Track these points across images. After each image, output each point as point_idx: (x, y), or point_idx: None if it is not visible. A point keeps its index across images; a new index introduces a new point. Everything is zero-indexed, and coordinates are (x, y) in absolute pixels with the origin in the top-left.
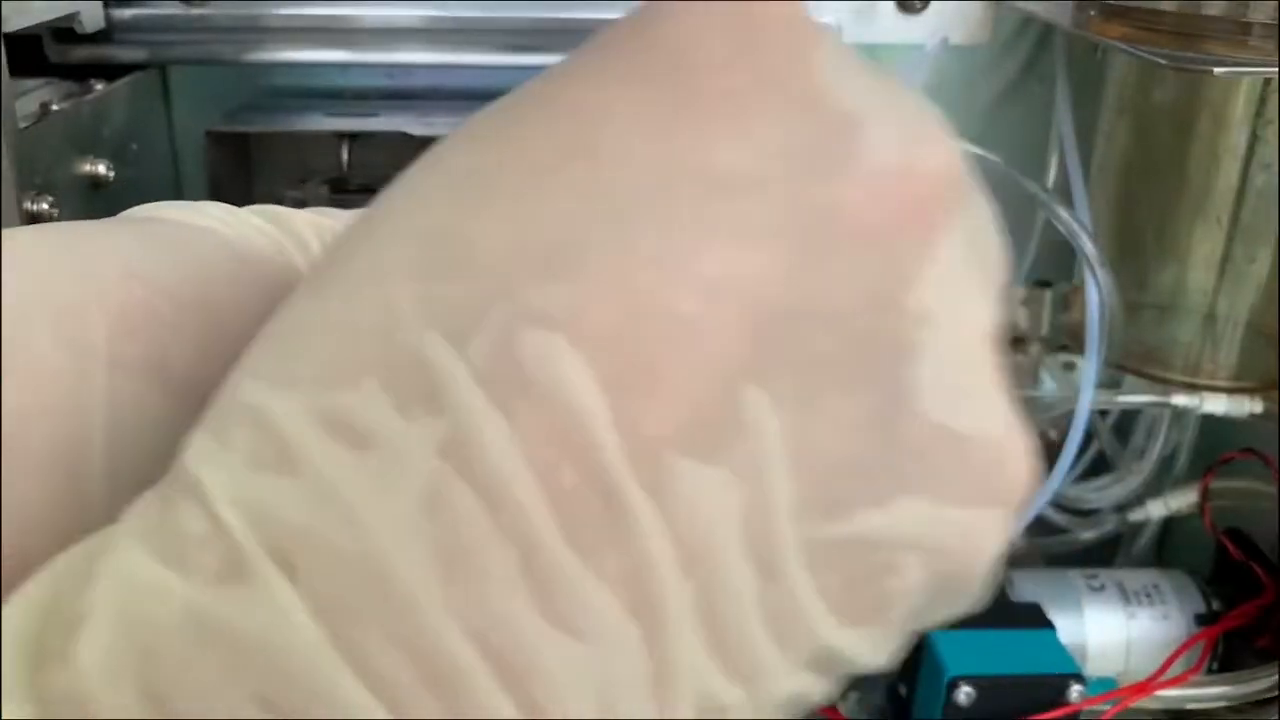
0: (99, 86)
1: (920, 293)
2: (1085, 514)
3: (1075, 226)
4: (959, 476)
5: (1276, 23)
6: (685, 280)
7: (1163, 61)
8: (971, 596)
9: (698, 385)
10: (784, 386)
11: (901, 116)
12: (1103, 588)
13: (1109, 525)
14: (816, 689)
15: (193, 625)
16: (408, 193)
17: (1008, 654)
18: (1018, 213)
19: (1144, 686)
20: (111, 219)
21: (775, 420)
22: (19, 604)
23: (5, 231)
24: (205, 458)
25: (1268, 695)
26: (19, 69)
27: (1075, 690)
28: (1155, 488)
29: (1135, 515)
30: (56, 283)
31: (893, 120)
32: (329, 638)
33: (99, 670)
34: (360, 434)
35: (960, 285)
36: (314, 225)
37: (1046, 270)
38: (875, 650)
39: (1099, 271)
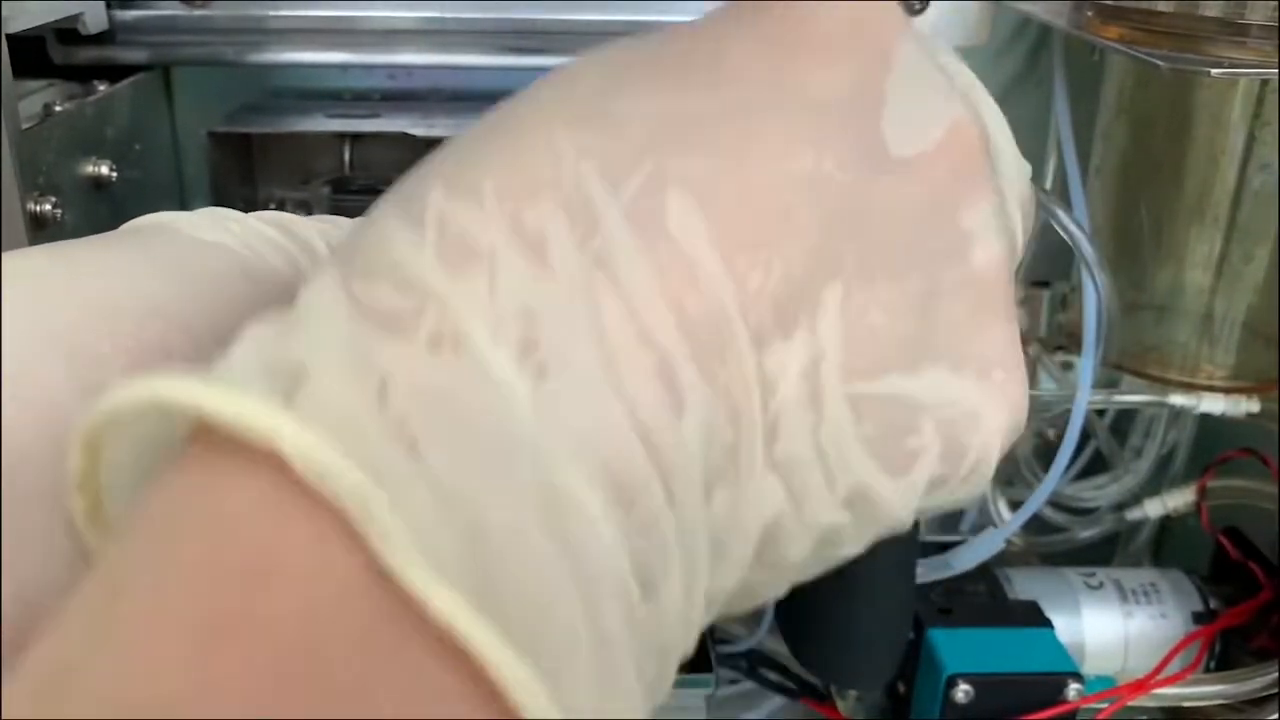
0: (102, 87)
1: (968, 218)
2: (1083, 513)
3: (1073, 227)
4: (977, 361)
5: (1273, 23)
6: (789, 174)
7: (1160, 63)
8: (975, 483)
9: (791, 258)
10: (849, 267)
11: (948, 96)
12: (1100, 586)
13: (1106, 524)
14: (848, 533)
15: (419, 381)
16: (560, 73)
17: (1006, 652)
18: None
19: (1141, 685)
20: (125, 233)
21: (838, 297)
22: (238, 360)
23: (18, 252)
24: (400, 244)
25: (1265, 694)
26: (22, 70)
27: (1073, 688)
28: (1153, 487)
29: (1133, 514)
30: (70, 314)
31: (942, 95)
32: (529, 397)
33: (345, 403)
34: (539, 240)
35: (993, 224)
36: (323, 233)
37: (1044, 271)
38: (900, 502)
39: (1097, 272)
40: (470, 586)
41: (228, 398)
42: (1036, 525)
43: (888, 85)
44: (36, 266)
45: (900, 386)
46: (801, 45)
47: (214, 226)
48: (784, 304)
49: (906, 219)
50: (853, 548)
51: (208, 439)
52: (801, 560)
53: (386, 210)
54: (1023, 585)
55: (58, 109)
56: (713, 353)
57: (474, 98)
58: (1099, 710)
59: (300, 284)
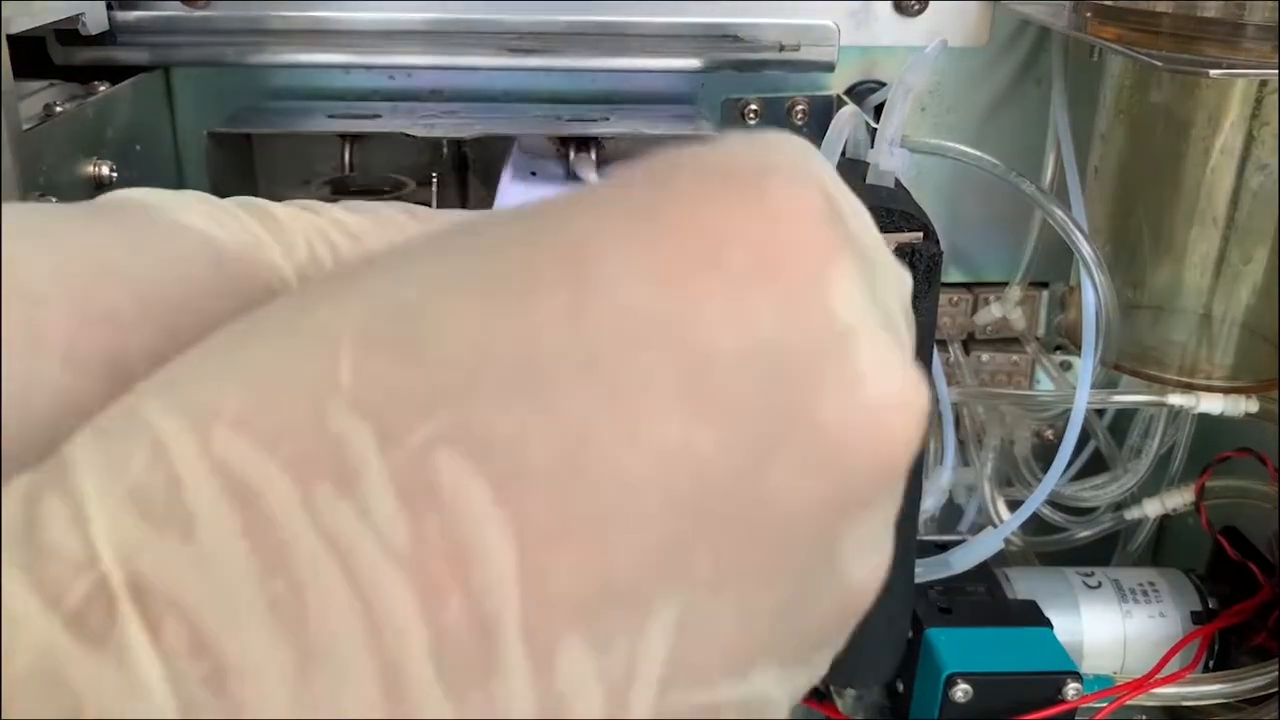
0: (103, 88)
1: (868, 522)
2: (1081, 512)
3: (1071, 227)
4: (806, 658)
5: (1271, 24)
6: (642, 445)
7: (1159, 63)
8: None
9: (619, 553)
10: (703, 568)
11: (896, 356)
12: (1099, 586)
13: (1105, 524)
14: None
15: (43, 663)
16: (394, 251)
17: (1005, 651)
18: (1015, 214)
19: (1140, 684)
20: (95, 204)
21: (679, 607)
22: None
23: None
24: (93, 469)
25: (1263, 693)
26: (23, 71)
27: (1071, 688)
28: (1151, 487)
29: (1131, 514)
30: (26, 270)
31: (891, 352)
32: (176, 707)
33: None
34: (256, 503)
35: (888, 530)
36: (296, 218)
37: (1043, 271)
38: None
39: (1095, 272)
40: None
41: None
42: (1035, 525)
43: (813, 333)
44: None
45: (722, 694)
46: (705, 270)
47: (189, 209)
48: (600, 611)
49: (802, 515)
50: None
51: None
52: None
53: (104, 417)
54: (1022, 585)
55: (58, 109)
56: (468, 675)
57: (474, 98)
58: (1097, 710)
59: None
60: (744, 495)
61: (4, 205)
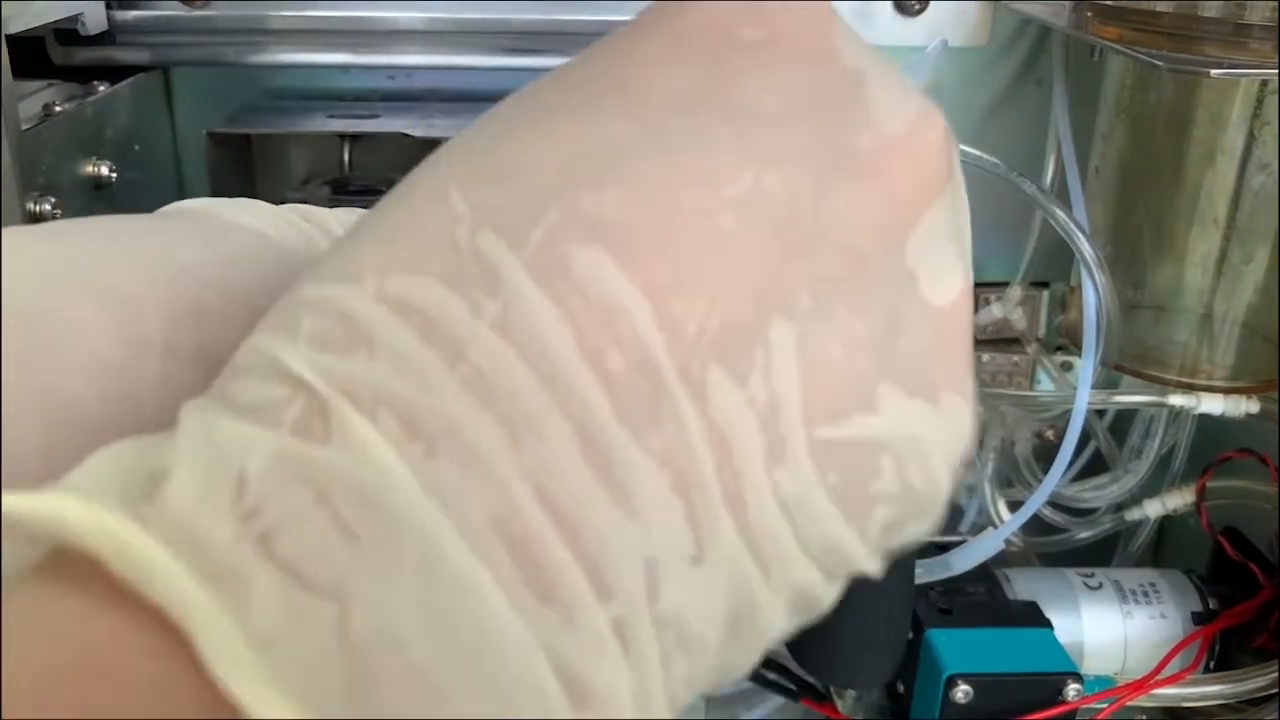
0: (102, 88)
1: (933, 236)
2: (1082, 513)
3: (1072, 227)
4: (929, 386)
5: (1272, 24)
6: (722, 197)
7: (1160, 63)
8: (925, 522)
9: (732, 296)
10: (803, 300)
11: (906, 87)
12: (1100, 587)
13: (1106, 524)
14: (820, 589)
15: (281, 464)
16: (465, 131)
17: (1005, 652)
18: (1015, 213)
19: (1141, 685)
20: (162, 214)
21: (794, 335)
22: (92, 469)
23: (62, 221)
24: (272, 338)
25: (1264, 694)
26: (22, 70)
27: (1072, 689)
28: (1152, 487)
29: (1132, 514)
30: (109, 272)
31: (898, 87)
32: (411, 473)
33: (193, 503)
34: (423, 314)
35: (958, 243)
36: (346, 225)
37: (1044, 271)
38: (866, 551)
39: (1096, 272)
40: (319, 699)
41: (61, 504)
42: (1036, 526)
43: (832, 81)
44: (74, 228)
45: (863, 426)
46: (728, 49)
47: (243, 211)
48: (732, 347)
49: (867, 234)
50: (826, 602)
51: (62, 547)
52: (778, 628)
53: (286, 294)
54: (1022, 585)
55: (57, 109)
56: (644, 414)
57: (473, 98)
58: (1098, 710)
59: None
60: (815, 225)
61: (88, 219)
